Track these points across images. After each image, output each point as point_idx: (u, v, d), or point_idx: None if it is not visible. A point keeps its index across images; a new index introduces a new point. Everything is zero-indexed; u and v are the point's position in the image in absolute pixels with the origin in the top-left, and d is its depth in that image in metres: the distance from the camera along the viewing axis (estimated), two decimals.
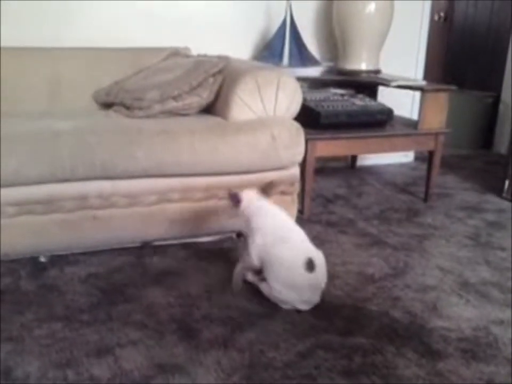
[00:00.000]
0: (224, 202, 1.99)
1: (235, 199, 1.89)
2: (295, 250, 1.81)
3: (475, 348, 1.65)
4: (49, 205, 2.01)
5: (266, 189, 1.96)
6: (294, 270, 1.77)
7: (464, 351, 1.63)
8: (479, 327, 1.77)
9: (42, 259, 2.13)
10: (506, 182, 3.08)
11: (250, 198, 1.91)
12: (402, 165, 3.78)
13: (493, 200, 3.07)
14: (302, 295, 1.80)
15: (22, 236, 2.02)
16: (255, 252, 1.84)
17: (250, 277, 1.92)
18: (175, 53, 2.77)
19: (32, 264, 2.10)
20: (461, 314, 1.84)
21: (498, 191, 3.13)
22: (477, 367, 1.55)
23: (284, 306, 1.82)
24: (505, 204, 3.01)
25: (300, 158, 2.33)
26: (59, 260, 2.14)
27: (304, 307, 1.81)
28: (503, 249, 2.40)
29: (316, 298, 1.83)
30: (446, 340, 1.69)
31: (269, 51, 3.08)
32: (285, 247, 1.80)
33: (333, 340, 1.67)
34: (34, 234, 2.04)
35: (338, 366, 1.54)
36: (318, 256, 1.83)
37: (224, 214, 2.07)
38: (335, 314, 1.81)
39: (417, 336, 1.70)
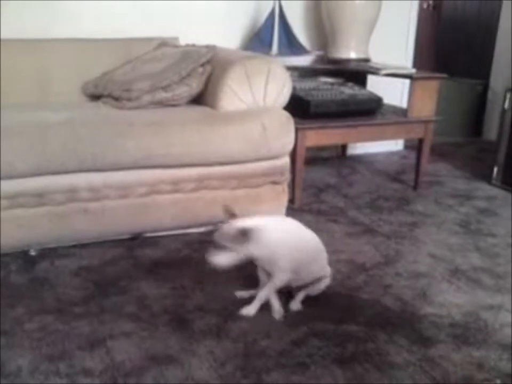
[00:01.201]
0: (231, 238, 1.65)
1: (243, 235, 1.62)
2: (311, 236, 1.82)
3: (466, 333, 1.66)
4: (39, 198, 1.99)
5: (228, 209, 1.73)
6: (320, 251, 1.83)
7: (455, 337, 1.64)
8: (469, 312, 1.78)
9: (33, 252, 2.11)
10: (496, 169, 3.10)
11: (256, 226, 1.65)
12: (392, 154, 3.79)
13: (483, 187, 3.09)
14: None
15: (13, 230, 2.00)
16: (286, 266, 1.71)
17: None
18: (164, 43, 2.74)
19: (23, 258, 2.08)
20: (451, 301, 1.85)
21: (488, 178, 3.14)
22: (467, 352, 1.57)
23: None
24: (495, 191, 3.03)
25: (290, 147, 2.33)
26: (50, 253, 2.12)
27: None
28: (493, 235, 2.42)
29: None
30: (437, 326, 1.70)
31: (258, 40, 3.06)
32: (305, 241, 1.80)
33: (326, 328, 1.68)
34: (25, 227, 2.02)
35: (332, 354, 1.55)
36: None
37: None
38: (328, 303, 1.82)
39: (408, 323, 1.72)
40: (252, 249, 1.64)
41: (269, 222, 1.74)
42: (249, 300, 1.77)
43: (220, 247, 1.64)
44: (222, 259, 1.65)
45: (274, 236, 1.69)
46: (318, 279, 1.80)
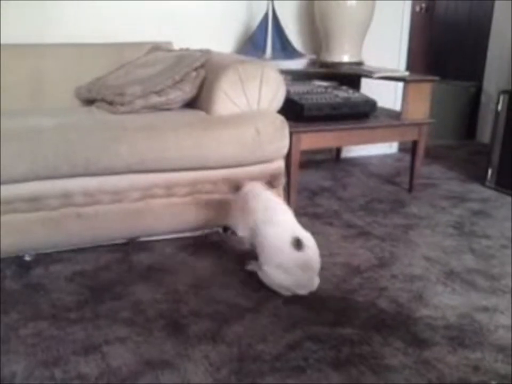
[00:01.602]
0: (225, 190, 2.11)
1: (236, 187, 2.02)
2: (282, 231, 1.86)
3: (461, 335, 1.66)
4: (33, 203, 1.99)
5: (272, 181, 2.13)
6: (282, 250, 1.82)
7: (450, 339, 1.64)
8: (464, 314, 1.78)
9: (27, 258, 2.11)
10: (490, 171, 3.11)
11: (252, 186, 2.00)
12: (386, 156, 3.80)
13: (476, 189, 3.10)
14: (295, 277, 1.83)
15: (6, 235, 1.99)
16: (246, 231, 1.95)
17: (251, 266, 1.97)
18: (157, 47, 2.74)
19: (17, 263, 2.08)
20: (446, 303, 1.86)
21: (481, 180, 3.16)
22: (463, 354, 1.57)
23: (285, 292, 1.85)
24: (489, 192, 3.04)
25: (284, 151, 2.33)
26: (44, 258, 2.12)
27: (302, 292, 1.85)
28: (487, 237, 2.43)
29: (311, 282, 1.87)
30: (433, 328, 1.70)
31: (251, 44, 3.07)
32: (273, 228, 1.86)
33: (321, 331, 1.67)
34: (19, 233, 2.02)
35: (327, 357, 1.55)
36: (308, 238, 1.87)
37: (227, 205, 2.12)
38: (323, 306, 1.82)
39: (404, 325, 1.72)
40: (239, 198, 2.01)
41: (265, 192, 2.01)
42: (243, 305, 1.77)
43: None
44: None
45: (256, 199, 1.98)
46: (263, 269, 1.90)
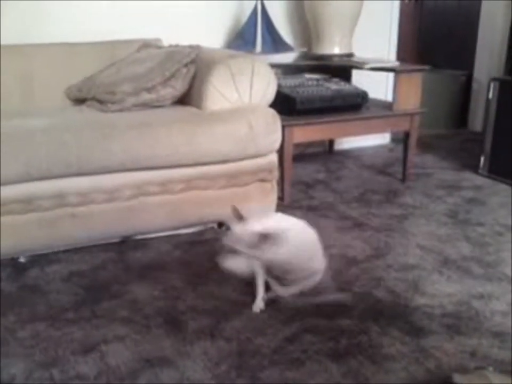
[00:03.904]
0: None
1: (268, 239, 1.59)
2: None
3: (458, 323, 1.67)
4: (27, 204, 1.98)
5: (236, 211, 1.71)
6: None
7: (447, 327, 1.65)
8: (460, 302, 1.80)
9: (22, 259, 2.10)
10: (482, 159, 3.12)
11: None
12: (379, 147, 3.80)
13: (470, 177, 3.11)
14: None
15: (1, 237, 1.98)
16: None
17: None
18: (147, 44, 2.73)
19: (12, 265, 2.07)
20: (443, 291, 1.87)
21: (474, 168, 3.17)
22: (460, 341, 1.58)
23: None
24: (482, 180, 3.05)
25: (277, 145, 2.33)
26: (39, 259, 2.11)
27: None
28: (481, 224, 2.44)
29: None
30: (429, 316, 1.71)
31: (241, 39, 3.06)
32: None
33: (319, 323, 1.68)
34: (13, 234, 2.00)
35: (326, 349, 1.55)
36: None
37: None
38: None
39: (401, 314, 1.73)
40: (273, 254, 1.58)
41: (286, 224, 1.70)
42: (241, 300, 1.77)
43: (231, 251, 1.59)
44: (237, 264, 1.61)
45: (297, 239, 1.67)
46: (313, 273, 1.80)
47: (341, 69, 3.11)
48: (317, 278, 1.82)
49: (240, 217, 1.64)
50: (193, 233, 2.33)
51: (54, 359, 1.52)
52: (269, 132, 2.26)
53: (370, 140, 3.77)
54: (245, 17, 3.10)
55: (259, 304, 1.75)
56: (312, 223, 1.77)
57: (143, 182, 2.12)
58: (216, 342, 1.59)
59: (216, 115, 2.22)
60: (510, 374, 1.40)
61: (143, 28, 2.89)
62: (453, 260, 2.10)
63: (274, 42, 3.10)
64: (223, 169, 2.23)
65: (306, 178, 3.11)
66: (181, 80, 2.33)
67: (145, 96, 2.29)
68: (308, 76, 2.99)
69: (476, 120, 4.20)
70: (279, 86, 2.44)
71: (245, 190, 2.30)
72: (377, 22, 3.58)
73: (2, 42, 2.54)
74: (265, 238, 1.56)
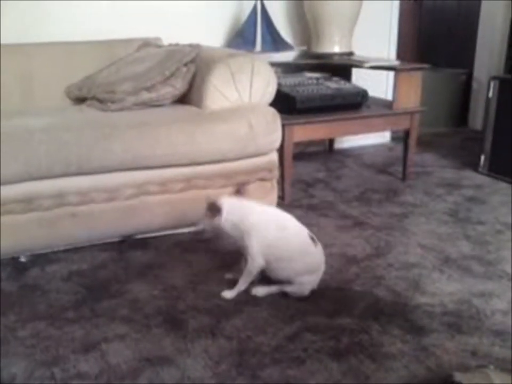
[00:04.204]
0: (204, 213, 1.79)
1: (215, 209, 1.75)
2: (298, 232, 1.81)
3: (458, 321, 1.67)
4: (27, 204, 1.98)
5: (240, 189, 1.92)
6: (307, 251, 1.79)
7: (448, 325, 1.65)
8: (461, 300, 1.79)
9: (23, 259, 2.10)
10: (482, 157, 3.12)
11: (231, 203, 1.78)
12: (379, 146, 3.80)
13: (470, 176, 3.11)
14: (319, 272, 1.83)
15: (2, 237, 1.98)
16: (257, 252, 1.75)
17: (274, 288, 1.82)
18: (146, 43, 2.73)
19: (13, 265, 2.07)
20: (443, 290, 1.87)
21: (474, 167, 3.17)
22: (461, 340, 1.58)
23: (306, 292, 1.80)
24: (482, 179, 3.05)
25: (277, 144, 2.33)
26: (40, 258, 2.11)
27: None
28: (482, 223, 2.44)
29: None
30: (430, 315, 1.71)
31: (241, 38, 3.06)
32: (288, 233, 1.80)
33: (320, 322, 1.68)
34: (14, 234, 2.01)
35: (326, 347, 1.55)
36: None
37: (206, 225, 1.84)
38: (321, 297, 1.82)
39: (401, 313, 1.73)
40: (221, 223, 1.75)
41: (251, 204, 1.82)
42: (241, 298, 1.78)
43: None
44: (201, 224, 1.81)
45: (251, 217, 1.77)
46: (295, 282, 1.78)
47: (341, 68, 3.11)
48: (304, 290, 1.80)
49: (217, 210, 1.75)
50: (193, 232, 2.33)
51: (54, 358, 1.52)
52: (269, 131, 2.26)
53: (370, 139, 3.77)
54: (244, 16, 3.10)
55: (231, 294, 1.81)
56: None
57: (143, 181, 2.12)
58: (216, 341, 1.59)
59: (216, 114, 2.22)
60: (511, 372, 1.40)
61: (143, 27, 2.89)
62: (453, 258, 2.10)
63: (274, 41, 3.10)
64: (223, 169, 2.23)
65: (306, 177, 3.11)
66: (180, 79, 2.33)
67: (145, 95, 2.29)
68: (307, 74, 2.99)
69: (476, 119, 4.20)
70: (279, 85, 2.44)
71: (245, 189, 2.30)
72: (377, 22, 3.58)
73: (2, 42, 2.54)
74: (213, 207, 1.74)
